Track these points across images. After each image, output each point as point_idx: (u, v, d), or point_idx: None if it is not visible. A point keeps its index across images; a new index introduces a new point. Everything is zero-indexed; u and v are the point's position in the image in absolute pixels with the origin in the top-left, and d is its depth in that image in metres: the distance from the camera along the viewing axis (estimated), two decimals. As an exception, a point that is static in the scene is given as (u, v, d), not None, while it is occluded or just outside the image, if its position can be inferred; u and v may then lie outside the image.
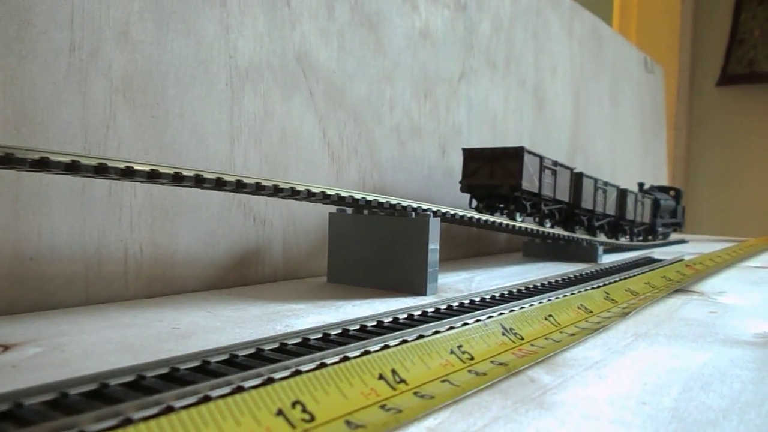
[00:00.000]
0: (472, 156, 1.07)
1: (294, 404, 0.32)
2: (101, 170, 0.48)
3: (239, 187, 0.59)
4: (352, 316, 0.61)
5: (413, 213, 0.77)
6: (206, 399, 0.34)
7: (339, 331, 0.51)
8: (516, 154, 1.03)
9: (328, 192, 0.68)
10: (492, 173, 1.05)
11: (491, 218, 0.96)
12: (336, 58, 0.93)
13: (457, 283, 0.88)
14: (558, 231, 1.18)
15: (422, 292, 0.76)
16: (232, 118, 0.78)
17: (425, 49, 1.13)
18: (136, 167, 0.51)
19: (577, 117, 1.81)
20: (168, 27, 0.71)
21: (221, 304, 0.67)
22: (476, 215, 0.92)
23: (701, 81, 3.38)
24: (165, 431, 0.27)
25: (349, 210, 0.82)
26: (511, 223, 1.02)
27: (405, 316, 0.58)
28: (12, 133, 0.57)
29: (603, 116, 2.01)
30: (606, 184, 1.37)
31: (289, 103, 0.86)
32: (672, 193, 1.92)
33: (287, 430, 0.30)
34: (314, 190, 0.66)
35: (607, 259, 1.24)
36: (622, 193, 1.46)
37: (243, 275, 0.80)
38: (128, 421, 0.31)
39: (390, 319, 0.56)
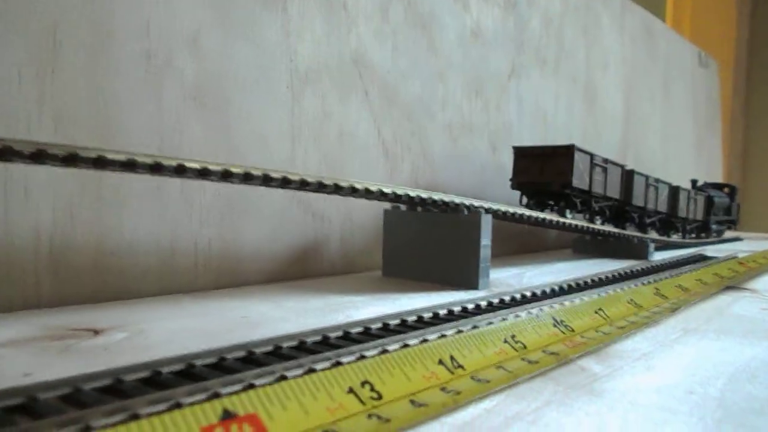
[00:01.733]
0: (523, 154, 1.09)
1: (363, 384, 0.35)
2: (180, 171, 0.53)
3: (302, 185, 0.62)
4: (409, 307, 0.64)
5: (466, 210, 0.80)
6: (282, 378, 0.38)
7: (398, 321, 0.54)
8: (567, 152, 1.05)
9: (385, 190, 0.71)
10: (543, 171, 1.06)
11: (542, 215, 0.98)
12: (390, 58, 0.96)
13: (508, 279, 0.90)
14: (608, 228, 1.19)
15: (474, 287, 0.78)
16: (292, 119, 0.82)
17: (476, 48, 1.16)
18: (211, 167, 0.55)
19: (628, 113, 1.80)
20: (234, 35, 0.75)
21: (284, 296, 0.71)
22: (527, 212, 0.94)
23: (759, 74, 3.29)
24: (254, 403, 0.30)
25: (403, 207, 0.85)
26: (562, 220, 1.04)
27: (459, 308, 0.61)
28: (96, 136, 0.62)
29: (655, 112, 1.99)
30: (657, 181, 1.37)
31: (346, 103, 0.89)
32: (726, 190, 1.89)
33: (358, 405, 0.33)
34: (372, 188, 0.70)
35: (658, 257, 1.23)
36: (674, 191, 1.46)
37: (303, 269, 0.84)
38: (216, 395, 0.35)
39: (445, 311, 0.59)
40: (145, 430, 0.26)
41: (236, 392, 0.33)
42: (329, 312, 0.62)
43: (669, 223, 1.47)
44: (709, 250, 1.39)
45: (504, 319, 0.54)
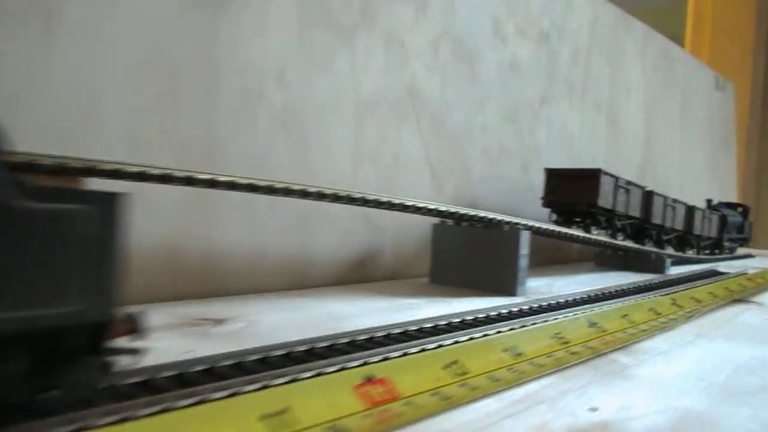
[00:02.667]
0: (553, 175, 1.21)
1: (454, 362, 0.47)
2: (284, 192, 0.65)
3: (378, 204, 0.75)
4: (461, 309, 0.75)
5: (506, 226, 0.91)
6: (386, 359, 0.50)
7: (459, 320, 0.66)
8: (594, 175, 1.17)
9: (441, 209, 0.84)
10: (572, 191, 1.18)
11: (571, 231, 1.10)
12: (439, 90, 1.08)
13: (540, 287, 1.02)
14: (629, 244, 1.30)
15: (513, 293, 0.89)
16: (355, 143, 0.95)
17: (512, 79, 1.28)
18: (309, 190, 0.67)
19: (648, 136, 1.91)
20: (312, 69, 0.88)
21: (352, 297, 0.82)
22: (557, 228, 1.06)
23: (775, 95, 3.39)
24: (382, 372, 0.42)
25: (449, 222, 0.97)
26: (587, 236, 1.15)
27: (506, 311, 0.73)
28: (207, 156, 0.75)
29: (673, 135, 2.10)
30: (675, 201, 1.48)
31: (400, 129, 1.02)
32: (740, 209, 1.99)
33: (452, 378, 0.45)
34: (431, 206, 0.82)
35: (674, 271, 1.34)
36: (690, 210, 1.56)
37: (361, 274, 0.96)
38: (343, 369, 0.47)
39: (495, 314, 0.71)
40: (319, 384, 0.38)
41: (370, 363, 0.44)
42: (395, 311, 0.74)
43: (685, 240, 1.58)
44: (722, 266, 1.50)
45: (547, 321, 0.66)
